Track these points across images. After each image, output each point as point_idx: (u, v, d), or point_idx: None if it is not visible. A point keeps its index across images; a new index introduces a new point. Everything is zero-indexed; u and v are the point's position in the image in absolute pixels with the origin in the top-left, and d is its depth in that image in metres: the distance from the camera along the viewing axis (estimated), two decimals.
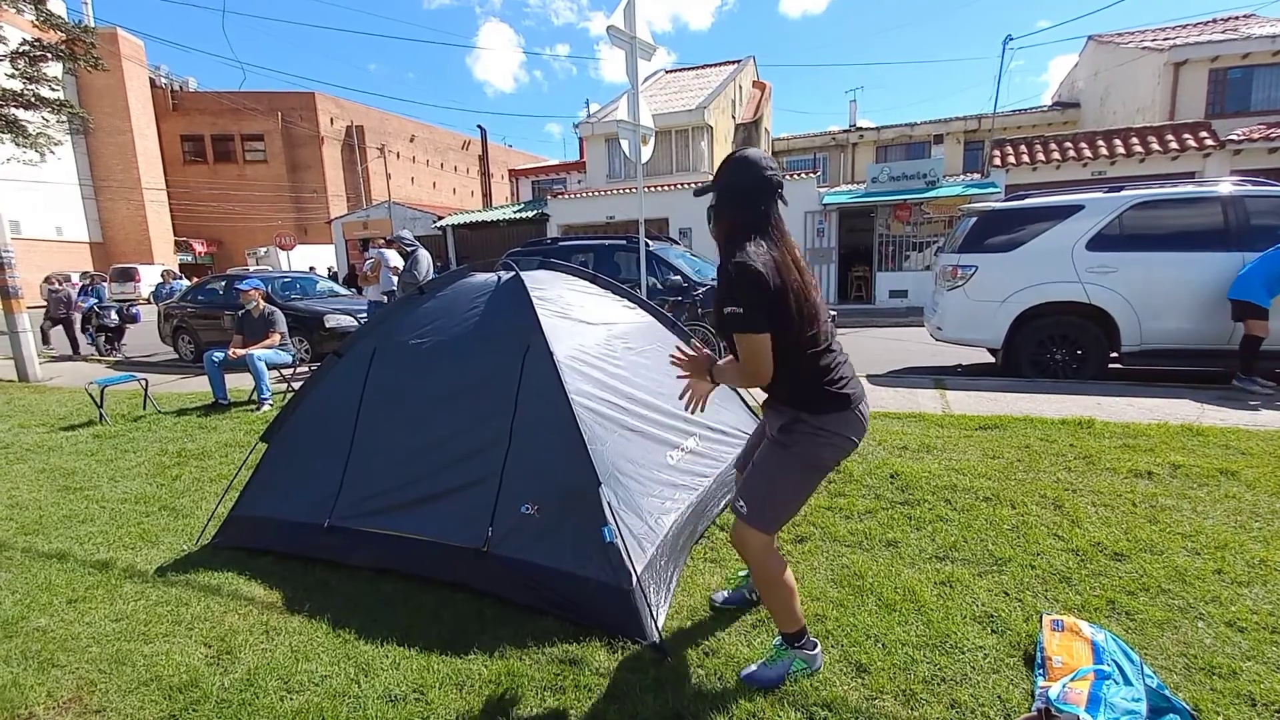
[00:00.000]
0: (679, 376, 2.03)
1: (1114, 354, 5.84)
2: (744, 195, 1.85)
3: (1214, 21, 18.60)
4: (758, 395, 4.58)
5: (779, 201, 1.86)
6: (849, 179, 21.49)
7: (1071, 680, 1.78)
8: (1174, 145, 13.04)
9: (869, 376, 6.49)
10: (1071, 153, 13.77)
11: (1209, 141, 12.87)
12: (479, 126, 34.15)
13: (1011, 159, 14.22)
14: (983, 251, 6.21)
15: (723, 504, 3.17)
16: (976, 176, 15.88)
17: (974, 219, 6.45)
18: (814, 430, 1.88)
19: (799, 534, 2.98)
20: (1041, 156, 13.97)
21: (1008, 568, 2.60)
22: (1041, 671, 1.93)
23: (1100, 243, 5.73)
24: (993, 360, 6.74)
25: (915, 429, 4.51)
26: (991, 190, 13.74)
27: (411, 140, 43.56)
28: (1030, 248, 5.98)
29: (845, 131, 23.42)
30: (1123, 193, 5.84)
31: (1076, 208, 5.89)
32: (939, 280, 6.80)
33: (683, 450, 3.11)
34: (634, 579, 2.27)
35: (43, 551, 3.22)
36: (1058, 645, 1.99)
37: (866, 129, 23.15)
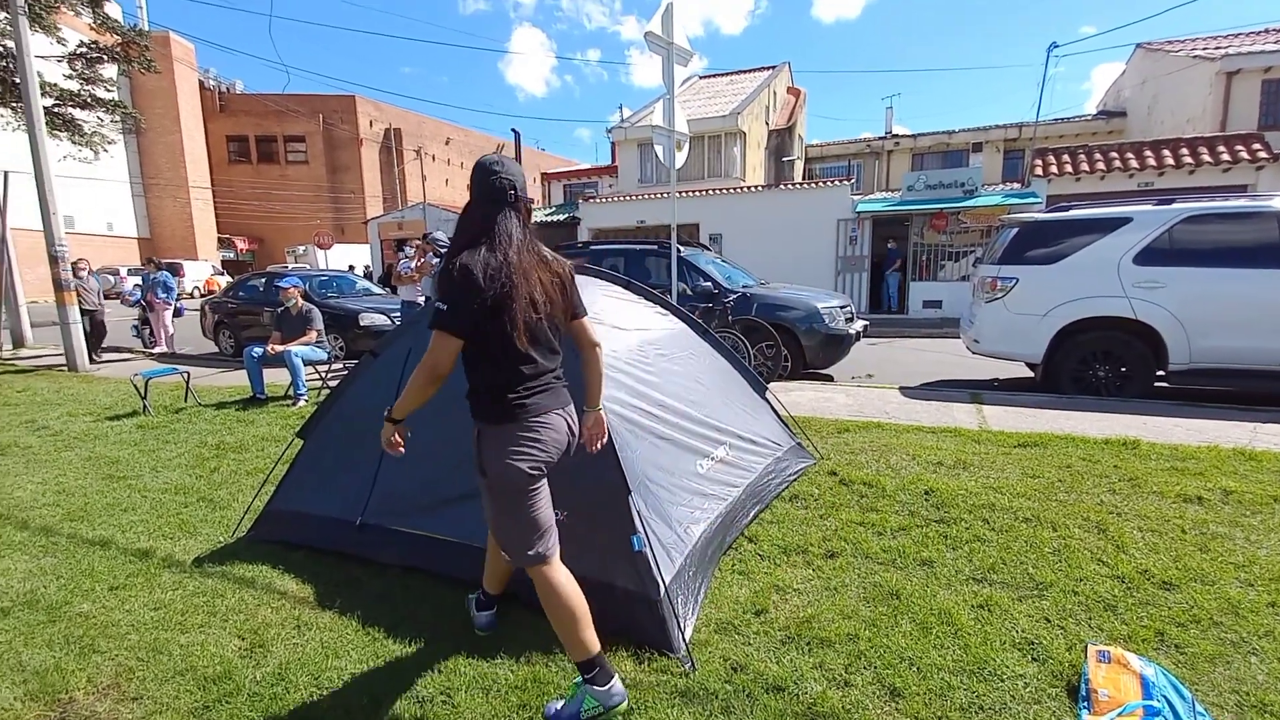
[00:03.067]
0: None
1: (1161, 372, 5.64)
2: (474, 202, 1.86)
3: (1268, 31, 17.90)
4: (785, 405, 4.46)
5: (509, 209, 1.84)
6: (884, 187, 21.20)
7: (1119, 715, 1.71)
8: (1225, 157, 12.57)
9: (902, 389, 6.36)
10: (1117, 163, 13.35)
11: (1262, 154, 12.37)
12: (513, 130, 34.50)
13: (1054, 168, 13.86)
14: (1024, 264, 6.05)
15: (752, 515, 3.13)
16: (1016, 186, 15.53)
17: (1015, 229, 6.29)
18: (496, 443, 1.84)
19: (830, 549, 2.92)
20: (1085, 166, 13.58)
21: (1049, 593, 2.51)
22: (1086, 704, 1.85)
23: (1149, 257, 5.53)
24: (1031, 375, 6.56)
25: (950, 444, 4.40)
26: (1032, 200, 13.41)
27: (447, 143, 44.31)
28: (1074, 260, 5.81)
29: (881, 139, 23.12)
30: (1173, 205, 5.65)
31: (1124, 220, 5.70)
32: (977, 292, 6.65)
33: (713, 459, 3.08)
34: (662, 589, 2.24)
35: (87, 538, 3.32)
36: (1104, 677, 1.91)
37: (902, 136, 22.83)
